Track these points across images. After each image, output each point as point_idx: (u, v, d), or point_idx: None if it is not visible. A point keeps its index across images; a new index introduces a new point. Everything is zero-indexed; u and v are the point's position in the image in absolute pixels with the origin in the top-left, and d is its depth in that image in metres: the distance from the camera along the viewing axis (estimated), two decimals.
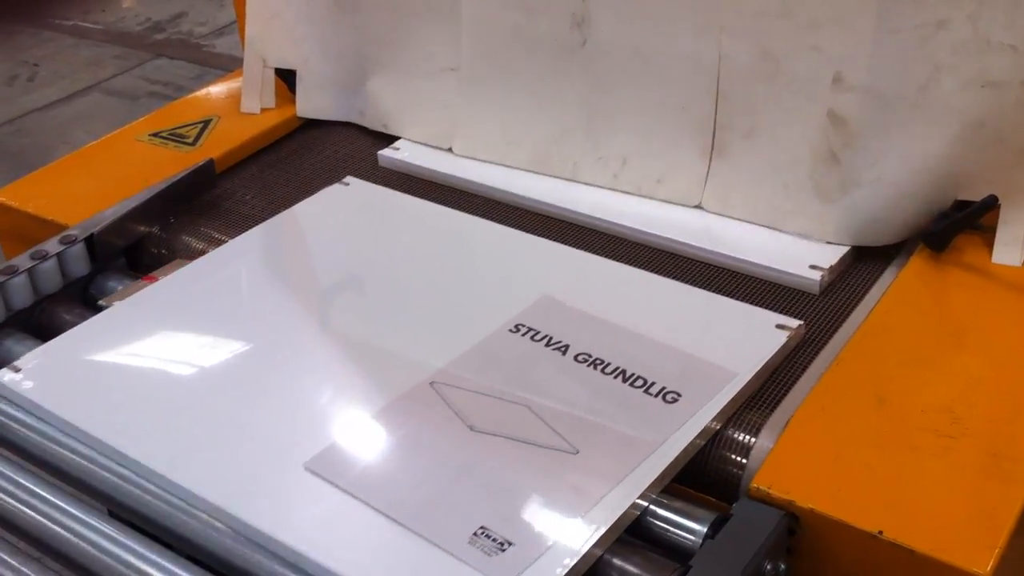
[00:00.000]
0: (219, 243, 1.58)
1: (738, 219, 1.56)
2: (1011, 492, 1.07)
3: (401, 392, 1.24)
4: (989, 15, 1.31)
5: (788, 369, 1.28)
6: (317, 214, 1.64)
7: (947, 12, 1.33)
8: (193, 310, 1.42)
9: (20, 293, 1.45)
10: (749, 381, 1.22)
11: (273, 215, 1.63)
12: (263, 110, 1.91)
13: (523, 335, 1.32)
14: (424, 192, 1.71)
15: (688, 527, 1.09)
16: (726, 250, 1.49)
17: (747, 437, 1.18)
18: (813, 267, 1.43)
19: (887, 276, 1.43)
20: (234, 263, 1.52)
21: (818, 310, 1.38)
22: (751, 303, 1.38)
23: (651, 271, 1.47)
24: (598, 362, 1.27)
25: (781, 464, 1.12)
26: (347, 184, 1.70)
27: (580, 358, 1.28)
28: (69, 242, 1.50)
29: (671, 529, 1.10)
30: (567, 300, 1.39)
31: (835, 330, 1.34)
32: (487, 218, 1.61)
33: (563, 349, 1.29)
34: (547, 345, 1.30)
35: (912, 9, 1.35)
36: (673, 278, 1.45)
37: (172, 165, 1.72)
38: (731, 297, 1.40)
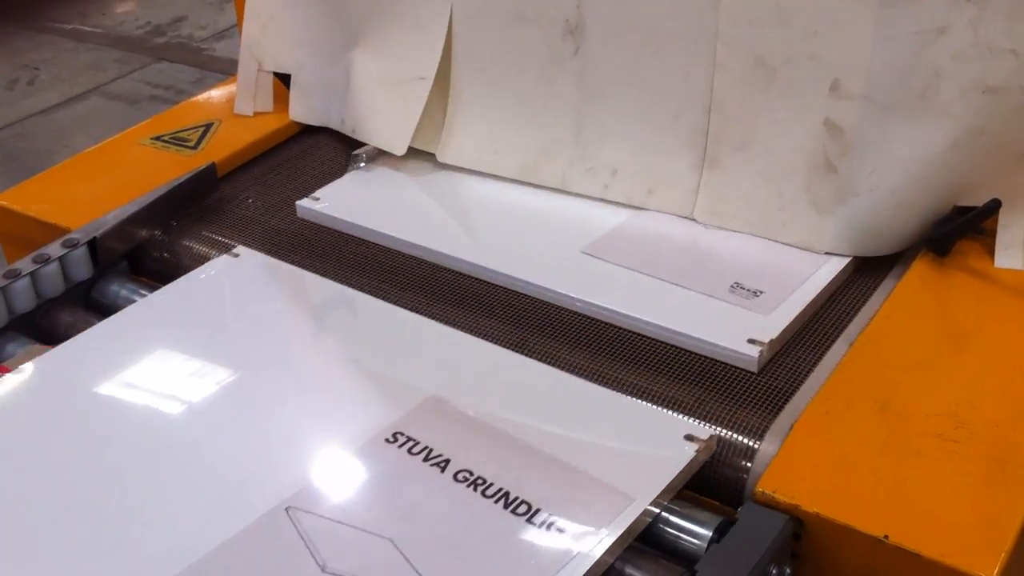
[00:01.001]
0: (221, 246, 1.58)
1: (732, 231, 1.54)
2: (1016, 496, 1.07)
3: (251, 519, 1.08)
4: (989, 21, 1.31)
5: (791, 374, 1.27)
6: (198, 291, 1.48)
7: (947, 18, 1.33)
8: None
9: (22, 297, 1.45)
10: (647, 508, 1.09)
11: (274, 218, 1.63)
12: (264, 114, 1.91)
13: (400, 446, 1.17)
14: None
15: (693, 531, 1.09)
16: (650, 318, 1.36)
17: (752, 441, 1.18)
18: (752, 341, 1.31)
19: (890, 281, 1.43)
20: (102, 347, 1.38)
21: (820, 315, 1.38)
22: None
23: (562, 336, 1.37)
24: (479, 481, 1.12)
25: (786, 468, 1.12)
26: (236, 256, 1.54)
27: (460, 476, 1.13)
28: (71, 246, 1.50)
29: (677, 534, 1.10)
30: (458, 400, 1.24)
31: (838, 334, 1.34)
32: (391, 282, 1.50)
33: (443, 465, 1.14)
34: (425, 459, 1.15)
35: (912, 15, 1.35)
36: (595, 343, 1.36)
37: (174, 169, 1.72)
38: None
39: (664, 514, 1.11)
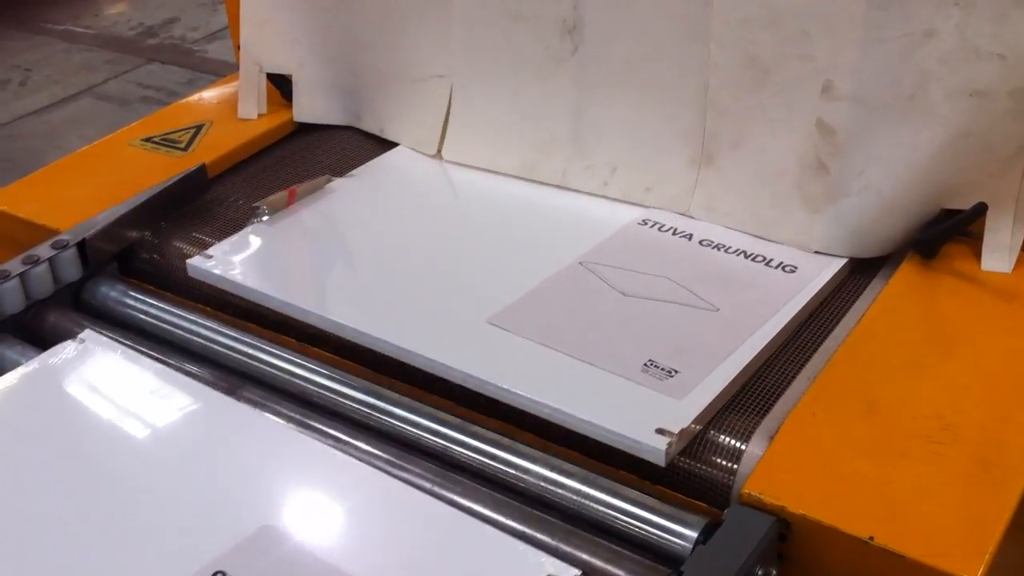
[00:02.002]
0: (211, 247, 1.57)
1: (726, 228, 1.55)
2: (1001, 497, 1.07)
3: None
4: (976, 25, 1.32)
5: (778, 376, 1.28)
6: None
7: (935, 22, 1.34)
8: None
9: (12, 298, 1.45)
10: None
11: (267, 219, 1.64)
12: (258, 115, 1.92)
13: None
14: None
15: (679, 532, 1.10)
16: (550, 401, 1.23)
17: (738, 443, 1.18)
18: (661, 431, 1.16)
19: (877, 283, 1.44)
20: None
21: (807, 316, 1.39)
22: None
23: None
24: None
25: (772, 470, 1.12)
26: (82, 341, 1.38)
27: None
28: (61, 247, 1.50)
29: (662, 535, 1.10)
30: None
31: (825, 336, 1.34)
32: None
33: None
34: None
35: (900, 18, 1.36)
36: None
37: (164, 170, 1.72)
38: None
39: (650, 515, 1.11)
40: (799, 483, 1.10)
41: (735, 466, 1.16)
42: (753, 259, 1.48)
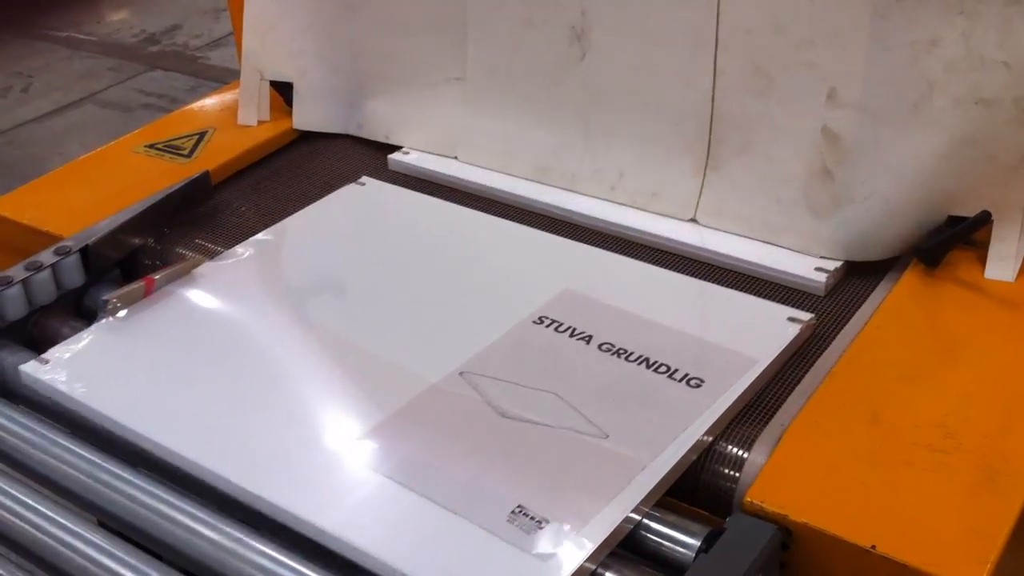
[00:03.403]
0: (214, 254, 1.58)
1: (732, 233, 1.56)
2: (1004, 507, 1.07)
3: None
4: (982, 33, 1.32)
5: (781, 383, 1.28)
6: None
7: (940, 30, 1.34)
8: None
9: (14, 304, 1.45)
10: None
11: (268, 227, 1.64)
12: (260, 123, 1.92)
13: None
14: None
15: (681, 541, 1.09)
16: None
17: (740, 451, 1.18)
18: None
19: (880, 291, 1.43)
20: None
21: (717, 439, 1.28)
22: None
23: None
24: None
25: (775, 478, 1.12)
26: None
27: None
28: (63, 253, 1.50)
29: (664, 543, 1.10)
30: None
31: (828, 345, 1.34)
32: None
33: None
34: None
35: (905, 26, 1.36)
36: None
37: (167, 177, 1.72)
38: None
39: (652, 523, 1.11)
40: (802, 492, 1.10)
41: (737, 474, 1.16)
42: (656, 369, 1.27)
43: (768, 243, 1.53)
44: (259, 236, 1.60)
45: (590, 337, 1.34)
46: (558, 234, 1.60)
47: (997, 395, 1.22)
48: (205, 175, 1.71)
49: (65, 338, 1.39)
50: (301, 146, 1.91)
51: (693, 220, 1.59)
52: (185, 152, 1.84)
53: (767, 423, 1.21)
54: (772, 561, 1.07)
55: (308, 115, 1.92)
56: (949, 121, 1.37)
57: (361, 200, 1.72)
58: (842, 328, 1.37)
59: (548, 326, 1.37)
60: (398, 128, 1.88)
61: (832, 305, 1.42)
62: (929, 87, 1.37)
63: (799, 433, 1.18)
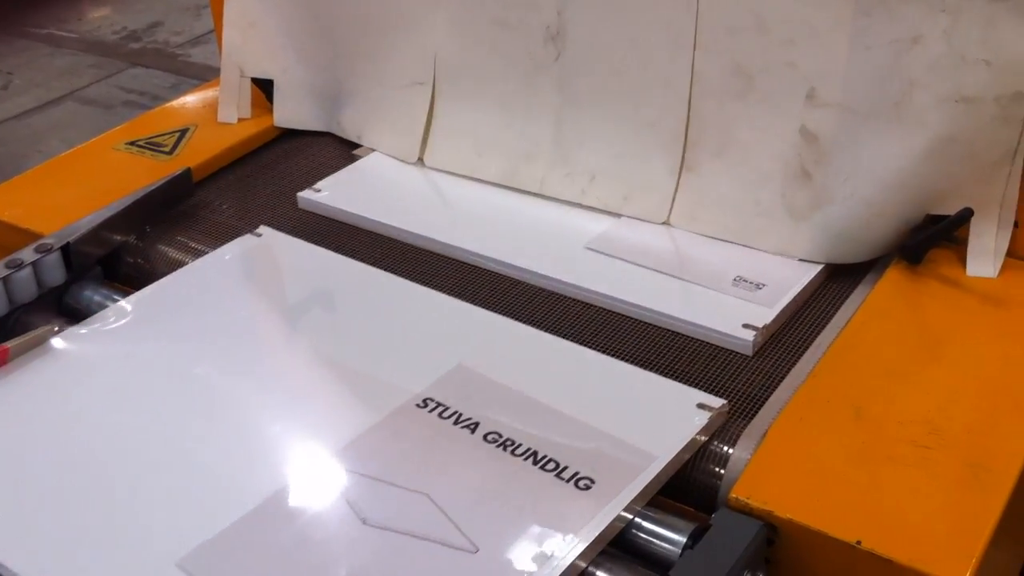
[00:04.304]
0: (196, 252, 1.57)
1: (708, 236, 1.55)
2: (988, 502, 1.08)
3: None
4: (964, 31, 1.32)
5: (764, 381, 1.28)
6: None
7: (922, 28, 1.34)
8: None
9: None
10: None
11: (251, 224, 1.63)
12: (240, 120, 1.91)
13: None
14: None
15: (667, 537, 1.09)
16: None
17: (725, 448, 1.18)
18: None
19: (863, 289, 1.44)
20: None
21: (794, 321, 1.39)
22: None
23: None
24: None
25: (760, 475, 1.12)
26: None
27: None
28: (45, 251, 1.49)
29: (650, 540, 1.10)
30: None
31: (811, 342, 1.34)
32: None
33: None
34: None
35: (887, 25, 1.36)
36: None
37: (149, 174, 1.71)
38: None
39: (638, 520, 1.11)
40: (786, 488, 1.10)
41: (722, 471, 1.16)
42: (543, 465, 1.15)
43: (745, 246, 1.52)
44: (123, 303, 1.45)
45: (476, 425, 1.20)
46: (467, 279, 1.51)
47: (980, 391, 1.23)
48: (187, 172, 1.70)
49: None
50: (283, 143, 1.90)
51: (667, 223, 1.58)
52: (167, 149, 1.83)
53: (751, 419, 1.21)
54: (758, 557, 1.08)
55: (289, 113, 1.92)
56: (931, 120, 1.37)
57: (249, 255, 1.56)
58: (825, 325, 1.37)
59: (433, 411, 1.23)
60: (369, 130, 1.86)
61: (815, 302, 1.42)
62: (911, 86, 1.37)
63: (783, 429, 1.18)
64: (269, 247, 1.58)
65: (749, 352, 1.33)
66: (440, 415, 1.23)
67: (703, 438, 1.18)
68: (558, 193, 1.65)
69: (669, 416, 1.21)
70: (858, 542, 1.04)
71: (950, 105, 1.35)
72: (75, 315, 1.50)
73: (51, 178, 1.78)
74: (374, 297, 1.47)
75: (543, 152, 1.67)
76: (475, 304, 1.43)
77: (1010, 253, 1.41)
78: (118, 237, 1.60)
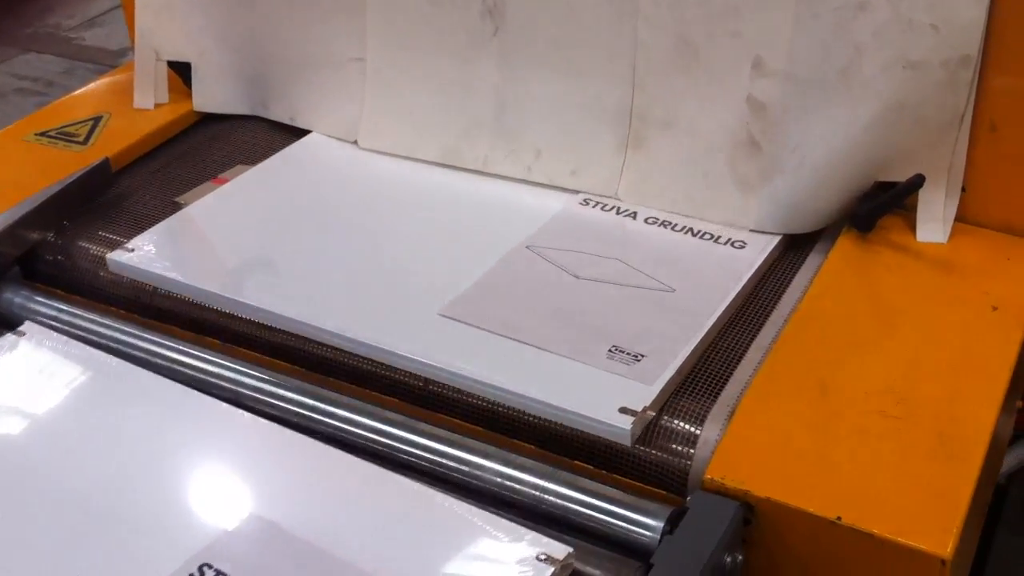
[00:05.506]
0: (118, 246, 1.48)
1: (657, 209, 1.52)
2: (962, 470, 1.07)
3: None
4: None
5: (724, 357, 1.26)
6: None
7: None
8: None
9: None
10: None
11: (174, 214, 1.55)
12: (158, 105, 1.82)
13: None
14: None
15: (643, 523, 1.07)
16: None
17: (692, 428, 1.15)
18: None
19: (813, 259, 1.42)
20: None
21: (749, 296, 1.37)
22: None
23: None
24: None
25: (732, 454, 1.10)
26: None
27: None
28: None
29: (628, 527, 1.07)
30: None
31: (767, 316, 1.33)
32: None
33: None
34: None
35: None
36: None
37: (63, 166, 1.62)
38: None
39: (612, 507, 1.08)
40: (760, 466, 1.09)
41: (691, 451, 1.14)
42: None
43: (694, 217, 1.50)
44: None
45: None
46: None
47: (941, 358, 1.22)
48: (105, 163, 1.62)
49: None
50: (204, 128, 1.82)
51: (615, 197, 1.55)
52: (80, 139, 1.74)
53: (716, 397, 1.19)
54: (736, 538, 1.06)
55: (209, 96, 1.83)
56: (878, 86, 1.36)
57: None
58: (779, 298, 1.36)
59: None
60: (303, 111, 1.79)
61: (769, 274, 1.41)
62: (857, 52, 1.36)
63: (751, 407, 1.16)
64: (23, 355, 1.34)
65: (627, 442, 1.12)
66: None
67: None
68: (503, 170, 1.61)
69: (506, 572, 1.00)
70: (838, 518, 1.03)
71: (897, 71, 1.35)
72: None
73: None
74: (139, 413, 1.24)
75: (485, 129, 1.63)
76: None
77: (958, 218, 1.42)
78: (35, 235, 1.51)
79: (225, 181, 1.63)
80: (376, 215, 1.56)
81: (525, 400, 1.17)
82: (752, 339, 1.29)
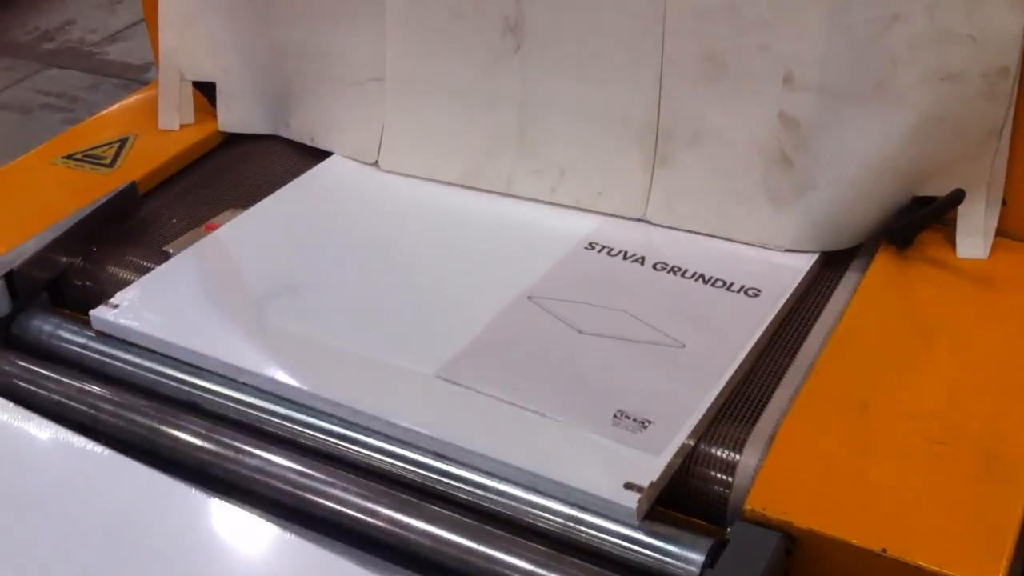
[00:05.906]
0: (147, 271, 1.47)
1: (687, 231, 1.49)
2: (1010, 496, 1.05)
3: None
4: (947, 5, 1.28)
5: (763, 379, 1.23)
6: None
7: (902, 5, 1.30)
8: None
9: None
10: None
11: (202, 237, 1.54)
12: (183, 126, 1.81)
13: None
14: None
15: (683, 556, 1.04)
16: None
17: (732, 454, 1.13)
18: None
19: (851, 277, 1.40)
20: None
21: (760, 353, 1.29)
22: None
23: None
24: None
25: (773, 482, 1.08)
26: None
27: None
28: None
29: (664, 559, 1.05)
30: None
31: (805, 336, 1.30)
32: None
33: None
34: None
35: (865, 2, 1.32)
36: None
37: (91, 190, 1.61)
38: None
39: (650, 539, 1.06)
40: (802, 495, 1.06)
41: (730, 479, 1.11)
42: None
43: (726, 239, 1.46)
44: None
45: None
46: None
47: (984, 377, 1.20)
48: (132, 186, 1.61)
49: None
50: (230, 149, 1.81)
51: (644, 220, 1.52)
52: (107, 162, 1.73)
53: (755, 422, 1.16)
54: (778, 570, 1.03)
55: (234, 116, 1.82)
56: (915, 99, 1.33)
57: None
58: (817, 317, 1.33)
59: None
60: (322, 131, 1.77)
61: (806, 292, 1.38)
62: (892, 64, 1.33)
63: (791, 432, 1.14)
64: None
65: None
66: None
67: None
68: (527, 191, 1.59)
69: None
70: (883, 550, 1.00)
71: (935, 83, 1.32)
72: (24, 347, 1.41)
73: None
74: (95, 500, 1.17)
75: (508, 148, 1.60)
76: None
77: (999, 232, 1.39)
78: (64, 259, 1.50)
79: (216, 227, 1.56)
80: (383, 253, 1.50)
81: (526, 475, 1.11)
82: (790, 361, 1.26)
